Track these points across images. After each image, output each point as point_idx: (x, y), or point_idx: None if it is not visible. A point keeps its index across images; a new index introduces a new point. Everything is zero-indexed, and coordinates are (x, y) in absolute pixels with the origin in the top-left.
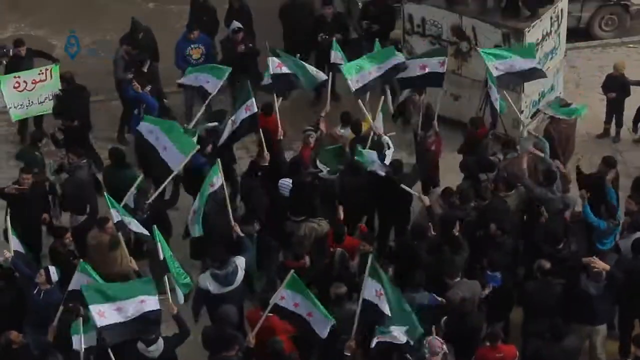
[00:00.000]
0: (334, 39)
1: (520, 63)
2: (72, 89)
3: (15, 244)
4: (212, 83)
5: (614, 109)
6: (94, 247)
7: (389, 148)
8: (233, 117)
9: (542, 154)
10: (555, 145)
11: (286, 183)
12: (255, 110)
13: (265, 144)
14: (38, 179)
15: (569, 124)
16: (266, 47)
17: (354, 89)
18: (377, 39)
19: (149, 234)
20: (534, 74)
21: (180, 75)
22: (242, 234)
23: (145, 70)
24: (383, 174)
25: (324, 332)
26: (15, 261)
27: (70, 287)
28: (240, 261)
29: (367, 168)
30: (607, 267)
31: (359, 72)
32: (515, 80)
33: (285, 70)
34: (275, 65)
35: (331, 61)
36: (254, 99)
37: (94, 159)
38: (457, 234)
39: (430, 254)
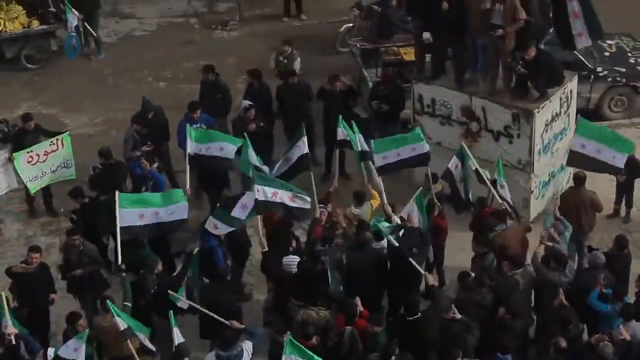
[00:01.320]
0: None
1: (408, 151)
2: (109, 165)
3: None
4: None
5: (624, 189)
6: (105, 330)
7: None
8: (286, 155)
9: (551, 241)
10: (573, 217)
11: (292, 261)
12: (306, 150)
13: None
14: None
15: (580, 198)
16: None
17: (377, 166)
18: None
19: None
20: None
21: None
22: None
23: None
24: (397, 243)
25: None
26: (21, 336)
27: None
28: (248, 345)
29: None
30: (628, 337)
31: (387, 151)
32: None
33: None
34: None
35: (337, 138)
36: (305, 139)
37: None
38: (460, 316)
39: (440, 332)
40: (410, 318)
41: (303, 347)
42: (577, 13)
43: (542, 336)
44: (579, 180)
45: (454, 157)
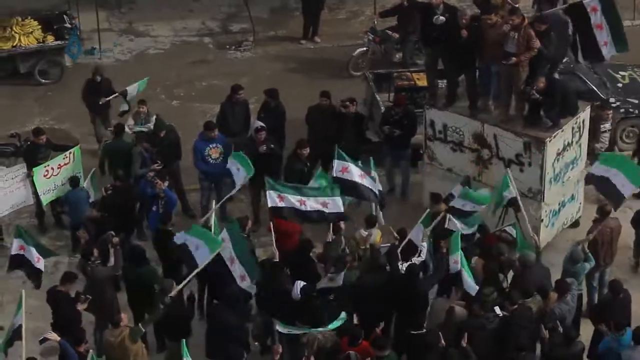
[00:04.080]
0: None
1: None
2: (122, 187)
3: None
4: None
5: None
6: (117, 345)
7: (419, 256)
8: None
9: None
10: (598, 249)
11: (297, 286)
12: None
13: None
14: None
15: (612, 228)
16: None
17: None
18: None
19: None
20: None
21: (199, 175)
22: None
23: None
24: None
25: None
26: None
27: None
28: None
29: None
30: None
31: None
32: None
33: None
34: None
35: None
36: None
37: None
38: (465, 344)
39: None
40: (415, 332)
41: None
42: (600, 24)
43: None
44: (606, 213)
45: (458, 185)
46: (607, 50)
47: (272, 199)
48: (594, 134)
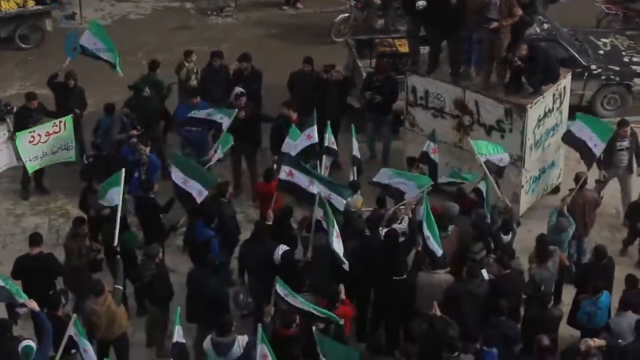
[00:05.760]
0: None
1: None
2: (103, 156)
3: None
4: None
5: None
6: (95, 312)
7: (400, 223)
8: (295, 143)
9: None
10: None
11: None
12: (316, 139)
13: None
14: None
15: (587, 201)
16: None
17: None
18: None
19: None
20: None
21: (181, 141)
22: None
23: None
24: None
25: None
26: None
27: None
28: (243, 339)
29: None
30: (603, 342)
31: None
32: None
33: None
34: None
35: (325, 144)
36: (315, 127)
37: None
38: (438, 312)
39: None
40: (397, 278)
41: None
42: None
43: (526, 331)
44: (579, 179)
45: (429, 142)
46: None
47: (284, 171)
48: (610, 150)
